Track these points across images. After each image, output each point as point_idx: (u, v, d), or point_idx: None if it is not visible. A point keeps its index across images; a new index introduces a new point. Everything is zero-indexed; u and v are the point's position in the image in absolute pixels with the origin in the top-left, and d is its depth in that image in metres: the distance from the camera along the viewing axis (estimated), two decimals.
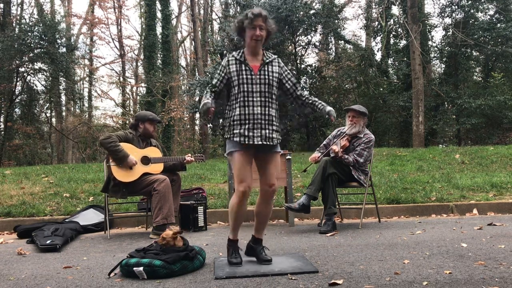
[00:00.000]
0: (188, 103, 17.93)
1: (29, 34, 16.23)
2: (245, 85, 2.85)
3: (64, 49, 17.38)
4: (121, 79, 26.02)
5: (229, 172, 4.73)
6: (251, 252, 3.05)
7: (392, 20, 17.86)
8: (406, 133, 16.81)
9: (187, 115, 23.88)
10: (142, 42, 23.80)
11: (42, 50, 16.54)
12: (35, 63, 17.33)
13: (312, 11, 14.38)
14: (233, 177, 4.60)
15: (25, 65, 17.23)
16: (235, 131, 2.83)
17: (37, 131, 19.48)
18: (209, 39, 20.93)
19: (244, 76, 2.86)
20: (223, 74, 2.90)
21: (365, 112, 4.56)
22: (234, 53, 2.96)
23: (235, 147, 2.84)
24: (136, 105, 25.35)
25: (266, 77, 2.89)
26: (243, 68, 2.88)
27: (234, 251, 2.94)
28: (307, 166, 5.03)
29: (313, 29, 14.87)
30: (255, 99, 2.84)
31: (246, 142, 2.81)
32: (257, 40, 2.86)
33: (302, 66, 15.56)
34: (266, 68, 2.91)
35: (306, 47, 16.04)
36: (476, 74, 18.49)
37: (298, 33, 14.88)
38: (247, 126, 2.82)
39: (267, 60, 2.94)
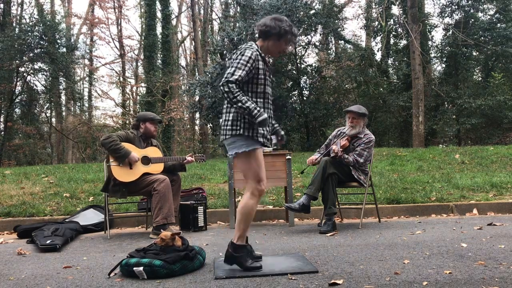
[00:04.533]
0: (188, 103, 17.93)
1: (29, 34, 16.24)
2: (268, 87, 2.80)
3: (64, 49, 17.40)
4: (121, 79, 26.01)
5: (229, 172, 4.72)
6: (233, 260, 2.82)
7: (392, 20, 17.86)
8: (406, 133, 16.81)
9: (187, 115, 23.88)
10: (142, 42, 23.80)
11: (42, 50, 16.54)
12: (35, 63, 17.35)
13: (312, 11, 14.37)
14: (233, 177, 4.63)
15: (25, 65, 17.24)
16: (260, 131, 2.74)
17: (37, 131, 19.50)
18: (209, 39, 20.93)
19: (267, 78, 2.80)
20: (251, 68, 2.68)
21: (365, 113, 4.56)
22: (255, 46, 2.78)
23: (256, 144, 2.73)
24: (136, 105, 25.33)
25: (271, 80, 2.89)
26: (266, 68, 2.80)
27: (250, 257, 2.77)
28: (304, 169, 5.04)
29: (313, 29, 14.87)
30: (271, 101, 2.84)
31: (268, 146, 2.82)
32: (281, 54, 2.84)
33: (302, 66, 15.56)
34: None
35: (306, 47, 16.03)
36: (476, 74, 18.48)
37: (298, 33, 14.88)
38: (268, 129, 2.81)
39: (268, 64, 2.92)
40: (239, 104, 2.60)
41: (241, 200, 2.79)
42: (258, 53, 2.75)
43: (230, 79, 2.61)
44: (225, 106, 2.80)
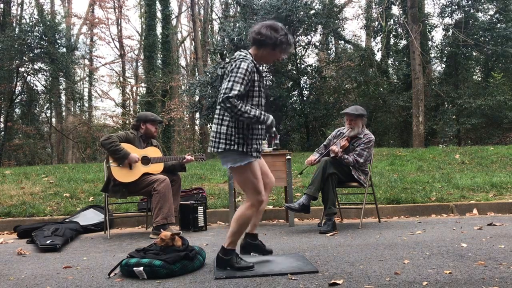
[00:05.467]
0: (188, 103, 17.92)
1: (29, 34, 16.24)
2: (262, 99, 2.77)
3: (64, 49, 17.40)
4: (121, 79, 26.02)
5: (229, 172, 4.73)
6: (249, 249, 3.06)
7: (392, 20, 17.85)
8: (406, 133, 16.80)
9: (187, 115, 23.88)
10: (142, 42, 23.81)
11: (42, 50, 16.55)
12: (35, 63, 17.35)
13: (312, 11, 14.37)
14: (233, 177, 4.62)
15: (25, 65, 17.25)
16: (253, 146, 2.72)
17: (37, 131, 19.49)
18: (209, 39, 20.94)
19: (262, 89, 2.76)
20: (248, 80, 2.64)
21: (362, 113, 4.54)
22: (249, 56, 2.73)
23: (250, 158, 2.72)
24: (136, 105, 25.34)
25: (264, 90, 2.87)
26: (260, 79, 2.75)
27: (238, 258, 2.83)
28: (302, 169, 5.03)
29: (313, 29, 14.87)
30: (263, 111, 2.82)
31: (260, 158, 2.83)
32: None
33: (302, 66, 15.56)
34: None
35: (306, 47, 16.03)
36: (476, 74, 18.48)
37: (298, 33, 14.88)
38: (259, 142, 2.79)
39: (262, 73, 2.90)
40: (245, 115, 2.60)
41: (239, 209, 2.78)
42: (253, 64, 2.70)
43: (230, 94, 2.57)
44: (216, 117, 2.75)
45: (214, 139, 2.73)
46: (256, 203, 2.75)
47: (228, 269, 2.77)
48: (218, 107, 2.73)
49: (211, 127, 16.09)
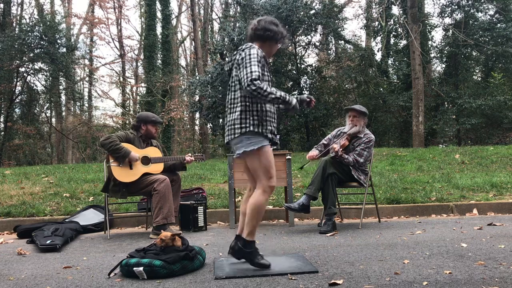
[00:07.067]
0: (188, 103, 17.92)
1: (29, 34, 16.24)
2: (271, 83, 2.83)
3: (64, 49, 17.40)
4: (121, 79, 26.02)
5: (229, 172, 4.72)
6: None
7: (392, 20, 17.86)
8: (406, 133, 16.81)
9: (187, 115, 23.88)
10: (142, 42, 23.81)
11: (42, 50, 16.55)
12: (35, 63, 17.36)
13: (312, 11, 14.39)
14: (233, 177, 4.63)
15: (25, 65, 17.25)
16: (268, 127, 2.78)
17: (37, 131, 19.50)
18: (209, 39, 20.95)
19: (270, 74, 2.84)
20: (261, 65, 2.71)
21: (365, 112, 4.57)
22: (257, 46, 2.80)
23: (265, 142, 2.76)
24: (136, 105, 25.36)
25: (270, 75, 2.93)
26: (267, 66, 2.84)
27: (259, 253, 2.81)
28: (304, 164, 5.03)
29: (313, 29, 14.89)
30: None
31: (275, 141, 2.84)
32: None
33: (302, 66, 15.57)
34: None
35: (306, 47, 16.05)
36: (476, 74, 18.48)
37: (298, 33, 14.89)
38: (274, 125, 2.84)
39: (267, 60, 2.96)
40: (272, 96, 2.65)
41: (252, 196, 2.77)
42: (261, 50, 2.79)
43: (253, 76, 2.62)
44: (229, 107, 2.80)
45: (229, 127, 2.78)
46: (268, 189, 2.75)
47: (238, 266, 2.76)
48: (232, 96, 2.78)
49: (211, 127, 16.10)
